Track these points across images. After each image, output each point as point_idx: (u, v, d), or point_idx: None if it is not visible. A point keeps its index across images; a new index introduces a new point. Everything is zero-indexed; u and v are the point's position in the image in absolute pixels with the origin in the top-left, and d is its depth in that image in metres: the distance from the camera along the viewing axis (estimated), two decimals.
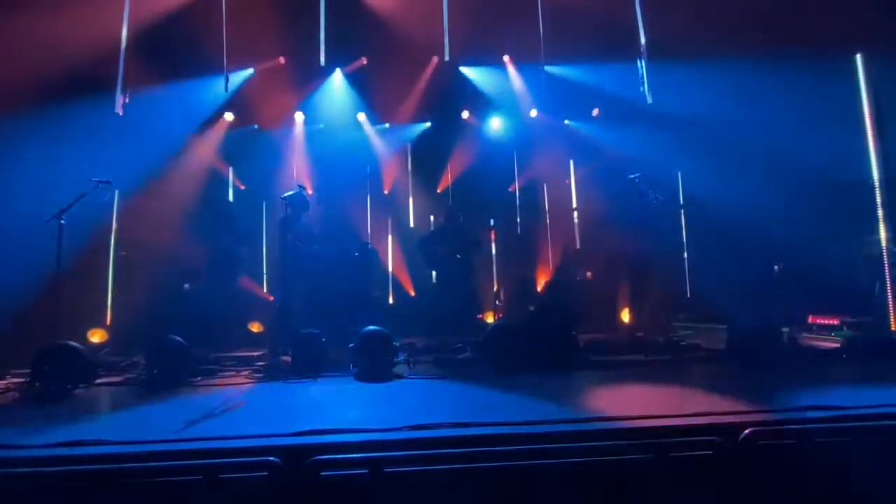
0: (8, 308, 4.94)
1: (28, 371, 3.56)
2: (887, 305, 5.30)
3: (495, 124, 8.23)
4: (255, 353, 4.77)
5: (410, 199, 8.32)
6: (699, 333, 5.56)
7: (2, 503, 1.97)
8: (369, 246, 6.97)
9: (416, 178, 8.35)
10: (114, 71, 5.72)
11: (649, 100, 5.98)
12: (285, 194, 4.91)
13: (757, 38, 5.62)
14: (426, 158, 8.26)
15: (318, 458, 1.99)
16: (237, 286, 5.65)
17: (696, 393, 2.99)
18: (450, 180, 8.28)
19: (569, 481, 2.03)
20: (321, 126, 7.87)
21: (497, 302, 6.78)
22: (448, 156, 8.23)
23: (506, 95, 7.85)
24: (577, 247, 7.79)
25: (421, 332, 5.95)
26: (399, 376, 3.79)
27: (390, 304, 7.53)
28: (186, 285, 5.76)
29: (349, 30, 6.76)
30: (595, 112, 7.90)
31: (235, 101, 7.10)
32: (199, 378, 3.91)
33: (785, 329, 4.09)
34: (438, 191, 8.30)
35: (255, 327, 6.18)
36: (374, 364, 3.80)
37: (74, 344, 3.69)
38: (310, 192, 5.65)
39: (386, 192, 8.25)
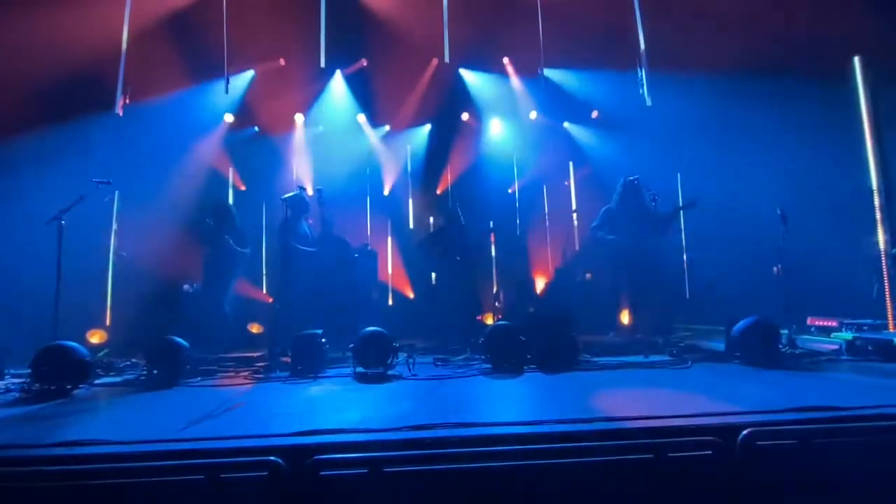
0: (7, 308, 4.94)
1: (27, 371, 3.56)
2: (886, 307, 5.32)
3: (495, 126, 8.25)
4: (255, 354, 4.77)
5: (410, 201, 8.33)
6: (698, 335, 5.57)
7: (1, 503, 1.97)
8: (369, 247, 6.98)
9: (415, 180, 8.37)
10: (114, 73, 5.73)
11: (648, 102, 6.00)
12: (285, 195, 4.92)
13: (756, 43, 5.65)
14: (426, 160, 8.28)
15: (318, 457, 1.99)
16: (236, 287, 5.65)
17: (695, 394, 3.00)
18: (449, 182, 8.30)
19: (568, 482, 2.03)
20: (321, 128, 7.88)
21: (496, 303, 6.78)
22: (447, 157, 8.25)
23: (505, 98, 7.88)
24: (577, 248, 7.80)
25: (420, 334, 5.95)
26: (398, 377, 3.80)
27: (390, 306, 7.53)
28: (186, 286, 5.76)
29: (350, 31, 6.78)
30: (594, 114, 7.93)
31: (236, 103, 7.12)
32: (199, 378, 3.92)
33: (784, 330, 4.10)
34: (438, 192, 8.32)
35: (255, 328, 6.18)
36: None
37: (74, 344, 3.68)
38: (309, 193, 5.65)
39: (385, 193, 8.26)
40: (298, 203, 5.41)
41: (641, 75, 6.02)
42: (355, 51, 7.40)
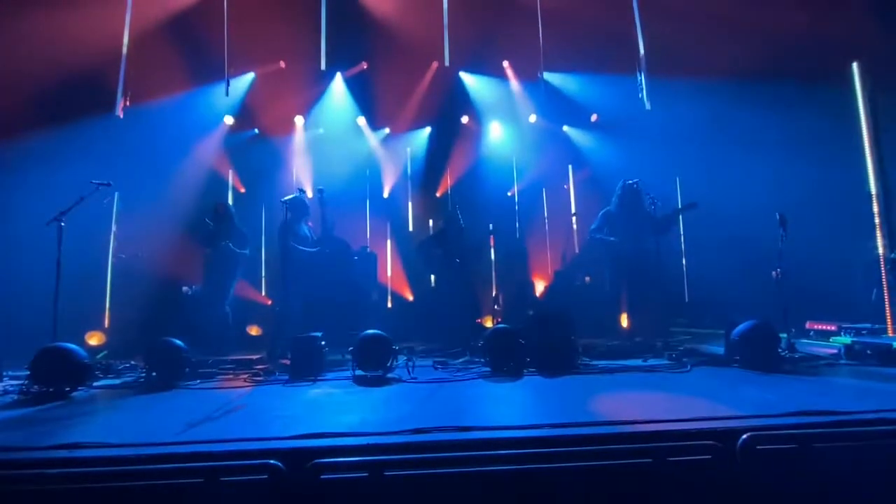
0: (7, 310, 4.94)
1: (26, 373, 3.55)
2: (885, 311, 5.33)
3: (495, 129, 8.27)
4: (254, 357, 4.76)
5: (410, 203, 8.34)
6: (697, 338, 5.58)
7: None
8: (368, 249, 6.98)
9: (415, 183, 8.38)
10: (115, 75, 5.74)
11: (647, 106, 6.02)
12: (285, 198, 4.92)
13: (755, 48, 5.68)
14: (426, 163, 8.29)
15: (318, 461, 1.99)
16: (236, 289, 5.64)
17: (694, 398, 3.00)
18: (449, 184, 8.31)
19: (567, 485, 2.03)
20: (321, 130, 7.89)
21: (496, 306, 6.77)
22: (447, 160, 8.26)
23: (505, 101, 7.90)
24: (576, 251, 7.81)
25: (420, 336, 5.95)
26: (398, 380, 3.79)
27: (389, 308, 7.52)
28: (185, 288, 5.76)
29: (350, 34, 6.80)
30: (594, 118, 7.95)
31: (236, 105, 7.13)
32: (198, 381, 3.91)
33: (783, 335, 4.10)
34: (438, 195, 8.33)
35: (254, 330, 6.17)
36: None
37: (72, 346, 3.67)
38: (309, 195, 5.66)
39: (385, 195, 8.27)
40: (298, 205, 5.41)
41: (641, 80, 6.04)
42: (356, 54, 7.42)
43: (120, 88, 5.73)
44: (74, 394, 3.52)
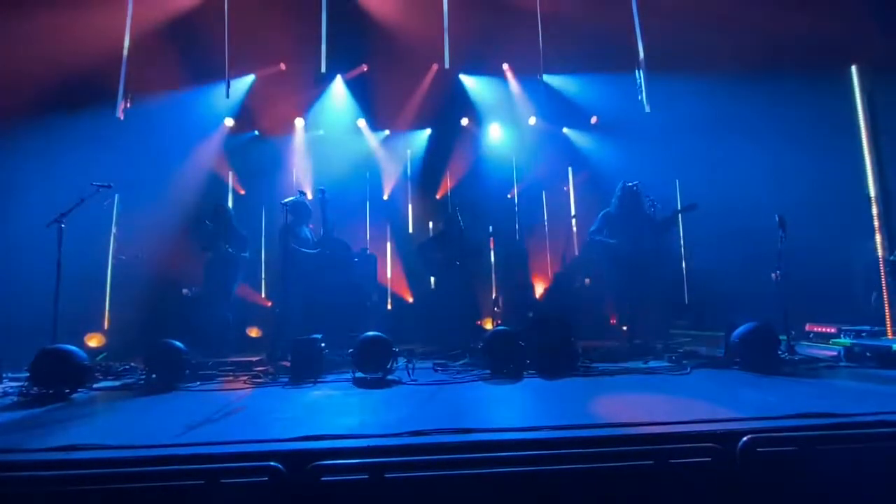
0: (7, 311, 4.93)
1: (26, 375, 3.55)
2: (884, 314, 5.34)
3: (494, 131, 8.28)
4: (254, 359, 4.76)
5: (409, 205, 8.34)
6: (697, 340, 5.58)
7: None
8: (368, 251, 6.98)
9: (415, 185, 8.39)
10: (116, 76, 5.75)
11: (647, 109, 6.04)
12: (285, 200, 4.93)
13: (755, 49, 5.69)
14: (425, 165, 8.30)
15: (318, 463, 1.99)
16: (236, 291, 5.64)
17: (695, 400, 3.00)
18: (449, 186, 8.31)
19: (568, 488, 2.03)
20: (321, 132, 7.90)
21: (496, 308, 6.79)
22: (447, 162, 8.27)
23: (505, 103, 7.91)
24: (576, 253, 7.82)
25: (420, 339, 5.95)
26: (398, 382, 3.79)
27: (389, 310, 7.52)
28: (185, 290, 5.76)
29: (350, 37, 6.81)
30: (593, 120, 7.96)
31: (236, 107, 7.14)
32: (198, 383, 3.91)
33: (783, 337, 4.10)
34: (437, 197, 8.33)
35: (254, 332, 6.17)
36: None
37: (72, 348, 3.67)
38: (309, 197, 5.66)
39: (385, 197, 8.28)
40: (299, 208, 5.42)
41: (640, 82, 6.06)
42: (356, 56, 7.43)
43: (121, 90, 5.74)
44: (74, 395, 3.52)
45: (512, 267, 7.84)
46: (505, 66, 7.78)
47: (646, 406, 2.95)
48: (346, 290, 5.70)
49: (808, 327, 5.21)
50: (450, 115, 8.08)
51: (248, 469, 1.98)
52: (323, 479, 1.96)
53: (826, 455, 2.11)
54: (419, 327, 6.42)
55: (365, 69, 7.61)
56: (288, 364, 4.08)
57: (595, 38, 6.41)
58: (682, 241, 7.18)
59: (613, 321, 6.11)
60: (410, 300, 7.66)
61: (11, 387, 3.74)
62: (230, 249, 5.31)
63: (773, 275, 4.40)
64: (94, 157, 5.55)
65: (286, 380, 3.93)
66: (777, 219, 4.35)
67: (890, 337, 5.02)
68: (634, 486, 2.05)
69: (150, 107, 6.19)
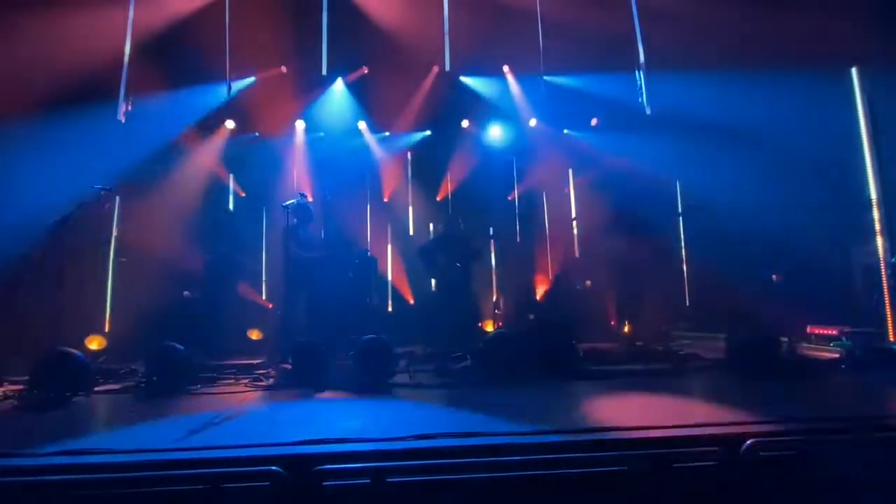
0: (7, 314, 4.92)
1: (26, 379, 3.54)
2: (885, 316, 5.33)
3: (495, 133, 8.29)
4: (255, 361, 4.75)
5: (410, 208, 8.34)
6: (698, 343, 5.57)
7: None
8: (369, 254, 6.98)
9: (415, 187, 8.39)
10: (116, 79, 5.76)
11: (647, 111, 6.04)
12: (286, 202, 4.92)
13: (755, 51, 5.69)
14: (426, 167, 8.31)
15: (320, 467, 1.98)
16: (237, 293, 5.64)
17: (697, 403, 3.00)
18: (449, 189, 8.31)
19: (570, 492, 2.03)
20: (322, 134, 7.91)
21: (496, 311, 6.78)
22: (448, 164, 8.27)
23: (505, 105, 7.92)
24: (577, 255, 7.81)
25: (421, 341, 5.94)
26: (399, 385, 3.79)
27: (389, 313, 7.52)
28: (186, 292, 5.75)
29: (351, 39, 6.81)
30: (594, 122, 7.97)
31: (237, 109, 7.15)
32: (199, 386, 3.90)
33: (784, 339, 4.10)
34: (438, 199, 8.33)
35: (255, 334, 6.16)
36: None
37: (73, 351, 3.67)
38: (310, 199, 5.66)
39: (386, 199, 8.28)
40: (302, 211, 5.43)
41: (641, 84, 6.06)
42: (356, 58, 7.44)
43: (122, 93, 5.74)
44: (75, 399, 3.51)
45: (513, 269, 7.84)
46: (505, 68, 7.79)
47: (648, 409, 2.95)
48: (347, 293, 5.70)
49: (809, 329, 5.20)
50: (450, 116, 8.09)
51: (249, 474, 1.97)
52: (325, 483, 1.96)
53: (828, 458, 2.10)
54: (420, 329, 6.40)
55: (365, 71, 7.62)
56: (289, 367, 4.07)
57: (595, 39, 6.41)
58: (682, 244, 7.17)
59: (614, 323, 6.10)
60: (411, 302, 7.66)
61: (13, 390, 3.73)
62: (230, 251, 5.31)
63: (774, 277, 4.40)
64: (96, 159, 5.55)
65: (287, 383, 3.92)
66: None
67: (891, 339, 5.02)
68: (637, 489, 2.04)
69: (152, 109, 6.20)
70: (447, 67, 6.64)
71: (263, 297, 7.14)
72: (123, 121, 5.79)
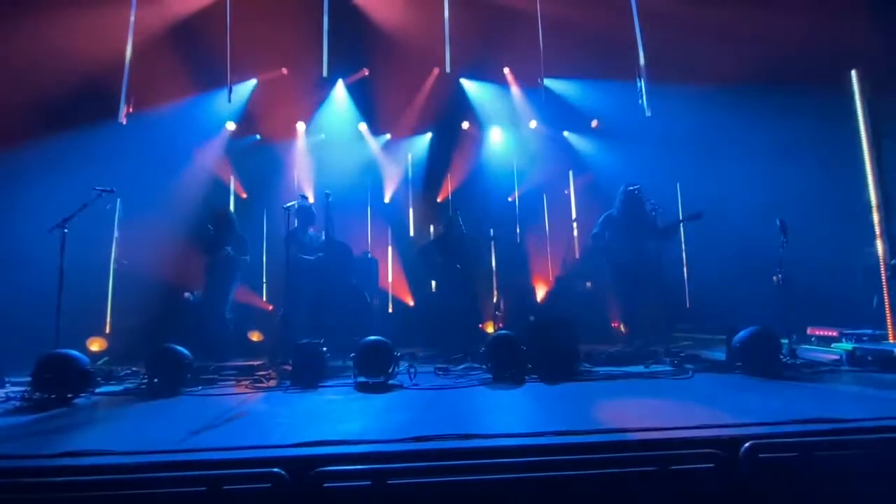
0: (9, 316, 4.94)
1: (28, 380, 3.55)
2: (885, 317, 5.33)
3: (495, 135, 8.30)
4: (256, 363, 4.76)
5: (410, 209, 8.36)
6: (699, 344, 5.57)
7: None
8: (369, 255, 6.99)
9: (416, 188, 8.40)
10: (118, 81, 5.77)
11: (647, 113, 6.05)
12: (287, 204, 4.93)
13: (755, 55, 5.71)
14: (426, 168, 8.32)
15: (321, 469, 1.99)
16: (237, 295, 5.64)
17: (696, 405, 3.00)
18: (450, 190, 8.33)
19: (570, 494, 2.03)
20: (322, 136, 7.93)
21: (497, 312, 6.78)
22: (448, 166, 8.29)
23: (506, 107, 7.93)
24: (577, 257, 7.82)
25: (421, 342, 5.95)
26: (399, 386, 3.79)
27: (390, 314, 7.53)
28: (187, 294, 5.76)
29: (352, 41, 6.84)
30: (594, 123, 7.98)
31: (238, 111, 7.17)
32: (200, 387, 3.91)
33: (784, 340, 4.10)
34: (438, 200, 8.35)
35: (256, 336, 6.17)
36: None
37: (74, 353, 3.68)
38: (311, 200, 5.67)
39: (386, 201, 8.29)
40: (304, 213, 5.43)
41: (641, 86, 6.07)
42: (357, 60, 7.46)
43: (123, 95, 5.76)
44: (76, 400, 3.52)
45: (513, 271, 7.84)
46: (506, 70, 7.80)
47: (648, 411, 2.95)
48: (348, 294, 5.70)
49: (809, 331, 5.21)
50: (451, 118, 8.11)
51: (250, 475, 1.98)
52: (325, 485, 1.97)
53: (828, 461, 2.11)
54: (420, 331, 6.41)
55: (366, 73, 7.64)
56: (290, 368, 4.08)
57: (596, 42, 6.43)
58: (683, 245, 7.18)
59: (615, 325, 6.11)
60: (412, 304, 7.66)
61: (14, 392, 3.73)
62: (231, 252, 5.31)
63: (774, 278, 4.40)
64: (97, 161, 5.57)
65: (288, 384, 3.92)
66: (778, 223, 4.36)
67: (891, 341, 5.02)
68: (636, 491, 2.05)
69: (153, 111, 6.21)
70: (448, 69, 6.66)
71: (264, 299, 7.15)
72: (125, 122, 5.80)
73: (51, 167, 5.75)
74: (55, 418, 3.10)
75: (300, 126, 7.84)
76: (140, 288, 6.03)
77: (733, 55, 5.75)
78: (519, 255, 8.12)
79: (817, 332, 5.13)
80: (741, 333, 4.01)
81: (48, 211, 4.34)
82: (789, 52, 5.57)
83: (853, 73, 5.97)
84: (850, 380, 3.74)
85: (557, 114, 7.66)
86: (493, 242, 7.63)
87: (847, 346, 4.31)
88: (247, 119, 7.40)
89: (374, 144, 8.10)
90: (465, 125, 8.26)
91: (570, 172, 8.37)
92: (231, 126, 7.42)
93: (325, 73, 6.64)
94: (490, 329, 6.63)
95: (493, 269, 7.65)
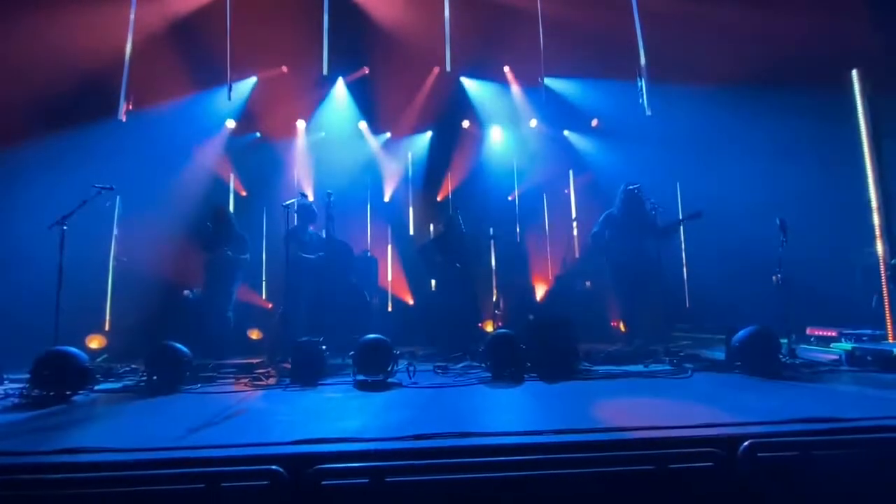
0: (8, 313, 4.94)
1: (27, 377, 3.55)
2: (885, 317, 5.33)
3: (495, 134, 8.30)
4: (255, 361, 4.76)
5: (410, 208, 8.35)
6: (698, 343, 5.57)
7: None
8: (369, 254, 6.99)
9: (416, 187, 8.40)
10: (118, 79, 5.77)
11: (648, 112, 6.04)
12: (286, 202, 4.93)
13: (755, 54, 5.70)
14: (426, 167, 8.32)
15: (319, 466, 1.99)
16: (237, 293, 5.64)
17: (695, 404, 3.00)
18: (450, 189, 8.33)
19: (569, 493, 2.03)
20: (322, 134, 7.92)
21: (496, 311, 6.78)
22: (448, 164, 8.28)
23: (506, 106, 7.93)
24: (577, 256, 7.82)
25: (421, 341, 5.95)
26: (398, 385, 3.79)
27: (389, 313, 7.53)
28: (186, 292, 5.76)
29: (352, 40, 6.84)
30: (594, 123, 7.98)
31: (238, 109, 7.16)
32: (199, 385, 3.91)
33: (783, 340, 4.10)
34: (438, 199, 8.35)
35: (255, 334, 6.17)
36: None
37: (73, 350, 3.67)
38: (310, 198, 5.67)
39: (386, 199, 8.29)
40: (304, 211, 5.43)
41: (641, 86, 6.07)
42: (357, 59, 7.46)
43: (123, 92, 5.76)
44: (75, 398, 3.52)
45: (513, 270, 7.84)
46: (506, 69, 7.80)
47: (647, 410, 2.95)
48: (347, 293, 5.70)
49: (809, 331, 5.21)
50: (451, 117, 8.11)
51: (249, 473, 1.98)
52: (324, 482, 1.96)
53: (827, 460, 2.11)
54: (420, 329, 6.42)
55: (366, 72, 7.63)
56: (289, 366, 4.08)
57: (596, 41, 6.43)
58: (683, 245, 7.18)
59: (614, 324, 6.11)
60: (411, 302, 7.67)
61: (12, 388, 3.74)
62: (230, 252, 5.31)
63: (773, 278, 4.40)
64: (97, 159, 5.56)
65: (287, 382, 3.92)
66: (778, 222, 4.36)
67: (891, 341, 5.02)
68: (635, 490, 2.05)
69: (153, 109, 6.21)
70: (448, 68, 6.66)
71: (263, 297, 7.15)
72: (125, 120, 5.79)
73: (50, 165, 5.74)
74: (54, 415, 3.09)
75: (300, 124, 7.83)
76: (139, 285, 6.03)
77: (733, 55, 5.74)
78: (519, 254, 8.12)
79: (817, 332, 5.13)
80: (740, 333, 4.01)
81: (48, 208, 4.33)
82: (789, 51, 5.56)
83: (854, 72, 5.96)
84: (850, 380, 3.74)
85: (558, 113, 7.65)
86: (492, 241, 7.62)
87: (846, 345, 4.31)
88: (247, 117, 7.40)
89: (374, 143, 8.10)
90: (466, 124, 8.26)
91: (570, 172, 8.37)
92: (231, 124, 7.41)
93: (325, 72, 6.64)
94: (489, 328, 6.63)
95: (493, 268, 7.65)
